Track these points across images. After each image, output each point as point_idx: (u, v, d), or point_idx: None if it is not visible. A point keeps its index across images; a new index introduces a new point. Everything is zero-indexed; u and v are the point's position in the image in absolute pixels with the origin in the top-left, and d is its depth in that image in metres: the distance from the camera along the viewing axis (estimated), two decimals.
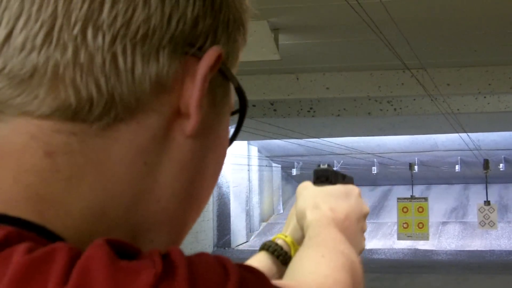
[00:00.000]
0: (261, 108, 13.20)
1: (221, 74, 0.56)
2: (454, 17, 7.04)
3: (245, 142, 20.13)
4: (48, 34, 0.49)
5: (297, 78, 10.54)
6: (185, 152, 0.54)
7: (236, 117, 0.62)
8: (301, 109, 13.31)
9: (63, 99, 0.49)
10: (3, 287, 0.42)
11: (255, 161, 21.37)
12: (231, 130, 0.61)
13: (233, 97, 0.60)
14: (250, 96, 10.82)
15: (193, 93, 0.53)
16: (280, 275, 0.99)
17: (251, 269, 0.49)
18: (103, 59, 0.50)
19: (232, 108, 0.60)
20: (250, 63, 7.18)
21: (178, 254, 0.46)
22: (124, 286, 0.42)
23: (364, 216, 1.00)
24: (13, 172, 0.50)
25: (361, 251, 0.97)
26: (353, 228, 0.96)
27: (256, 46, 7.00)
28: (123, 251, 0.45)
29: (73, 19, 0.49)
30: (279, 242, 1.01)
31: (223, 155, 0.60)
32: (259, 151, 21.71)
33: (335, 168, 1.11)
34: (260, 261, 1.00)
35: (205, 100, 0.54)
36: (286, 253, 1.00)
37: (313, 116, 13.40)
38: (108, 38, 0.50)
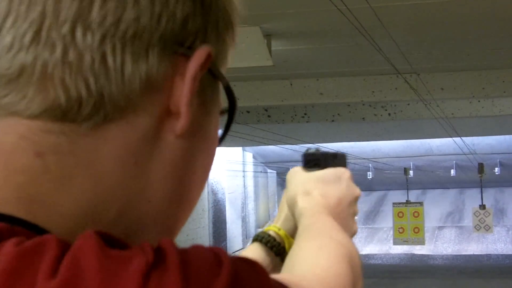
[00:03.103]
0: (255, 114, 13.19)
1: (211, 73, 0.56)
2: (446, 21, 7.04)
3: (240, 148, 20.12)
4: (37, 33, 0.49)
5: (291, 84, 10.54)
6: (175, 152, 0.54)
7: (225, 118, 0.61)
8: (295, 115, 13.30)
9: (52, 98, 0.49)
10: None
11: (250, 167, 21.37)
12: (220, 130, 0.62)
13: (222, 97, 0.60)
14: (243, 103, 10.83)
15: (183, 92, 0.52)
16: (274, 265, 0.97)
17: (246, 260, 0.48)
18: (92, 58, 0.49)
19: (221, 108, 0.60)
20: (243, 69, 7.16)
21: (168, 243, 0.46)
22: (115, 273, 0.42)
23: (356, 199, 0.98)
24: (3, 172, 0.50)
25: (353, 234, 0.95)
26: (345, 213, 0.94)
27: (249, 52, 6.98)
28: (112, 243, 0.45)
29: (62, 18, 0.49)
30: (272, 233, 0.99)
31: (212, 155, 0.60)
32: (254, 157, 21.71)
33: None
34: (254, 252, 0.98)
35: (194, 99, 0.54)
36: (279, 244, 0.97)
37: (307, 121, 13.39)
38: (97, 37, 0.50)
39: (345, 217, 0.93)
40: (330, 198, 0.93)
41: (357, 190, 0.98)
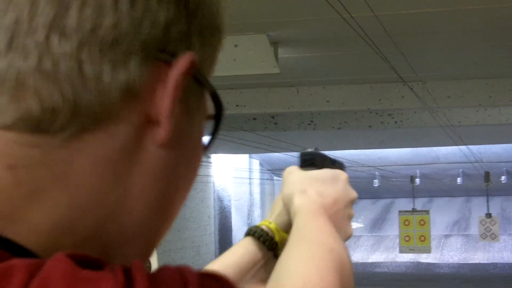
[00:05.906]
0: (261, 121, 13.20)
1: (196, 80, 0.53)
2: (453, 30, 7.05)
3: (247, 155, 20.12)
4: (11, 40, 0.47)
5: (297, 91, 10.55)
6: (157, 162, 0.52)
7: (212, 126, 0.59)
8: (302, 122, 13.31)
9: (26, 108, 0.47)
10: None
11: (256, 175, 21.35)
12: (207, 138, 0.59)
13: (208, 104, 0.57)
14: (250, 110, 10.84)
15: (164, 100, 0.50)
16: (266, 260, 0.96)
17: (214, 276, 0.47)
18: (68, 67, 0.47)
19: (207, 115, 0.57)
20: (250, 76, 7.18)
21: (138, 266, 0.45)
22: None
23: (352, 201, 0.96)
24: None
25: (348, 237, 0.94)
26: (341, 214, 0.93)
27: (256, 59, 7.00)
28: (87, 263, 0.43)
29: (37, 25, 0.47)
30: (264, 228, 0.98)
31: (196, 165, 0.57)
32: (260, 164, 21.70)
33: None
34: (246, 247, 0.97)
35: (177, 107, 0.51)
36: (271, 238, 0.96)
37: (314, 129, 13.40)
38: (74, 45, 0.47)
39: (340, 218, 0.92)
40: (326, 198, 0.92)
41: (353, 193, 0.97)
